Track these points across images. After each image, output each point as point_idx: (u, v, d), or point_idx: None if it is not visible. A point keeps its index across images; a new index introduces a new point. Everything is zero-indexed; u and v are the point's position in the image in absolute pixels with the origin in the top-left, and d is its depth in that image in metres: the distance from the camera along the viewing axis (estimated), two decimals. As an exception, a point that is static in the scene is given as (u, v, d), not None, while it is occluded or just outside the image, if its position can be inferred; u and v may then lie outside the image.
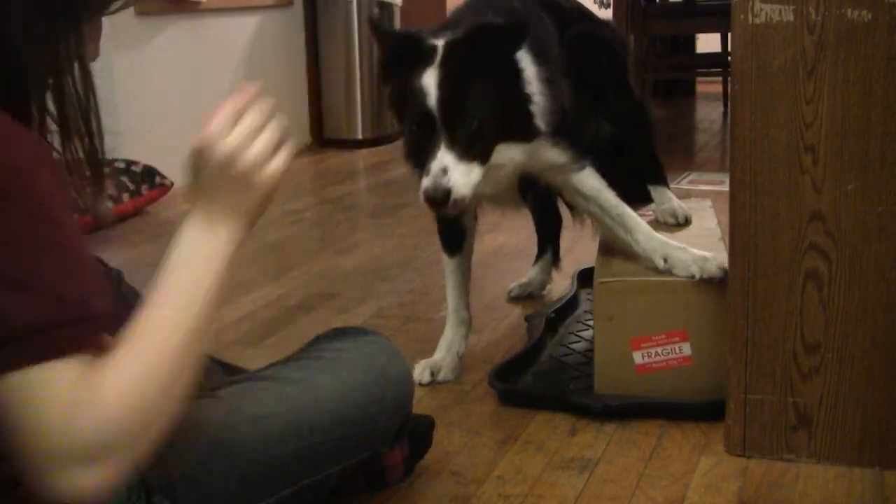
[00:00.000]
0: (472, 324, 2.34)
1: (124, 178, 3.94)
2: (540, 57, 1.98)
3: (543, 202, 2.73)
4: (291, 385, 1.47)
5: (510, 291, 2.80)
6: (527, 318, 2.54)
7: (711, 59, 6.46)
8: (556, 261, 2.84)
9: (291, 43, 5.45)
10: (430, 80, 1.82)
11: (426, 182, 1.79)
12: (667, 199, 2.50)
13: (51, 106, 1.08)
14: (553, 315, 2.48)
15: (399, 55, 1.89)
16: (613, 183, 2.43)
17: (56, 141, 1.09)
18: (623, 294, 2.04)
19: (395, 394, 1.57)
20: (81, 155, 1.11)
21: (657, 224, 2.44)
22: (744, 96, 1.73)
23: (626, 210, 2.13)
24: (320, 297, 2.90)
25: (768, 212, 1.75)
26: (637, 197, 2.61)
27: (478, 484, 1.79)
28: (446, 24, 2.06)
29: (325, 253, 3.42)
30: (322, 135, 5.63)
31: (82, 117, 1.10)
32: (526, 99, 1.91)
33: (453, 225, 2.27)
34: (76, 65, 1.09)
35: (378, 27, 1.99)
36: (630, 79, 2.51)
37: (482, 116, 1.82)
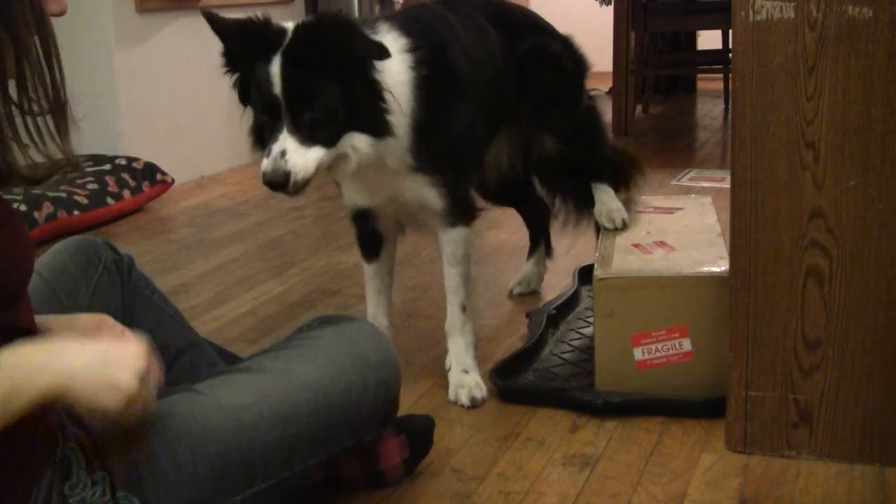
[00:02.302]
0: (392, 331, 2.31)
1: (125, 175, 3.94)
2: (423, 72, 1.98)
3: (527, 195, 2.72)
4: (266, 375, 1.45)
5: (511, 290, 2.79)
6: (527, 315, 2.54)
7: (712, 56, 6.46)
8: (548, 251, 2.83)
9: (292, 40, 5.44)
10: (275, 67, 1.83)
11: (265, 164, 1.82)
12: (608, 198, 2.48)
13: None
14: (554, 312, 2.48)
15: (243, 44, 1.89)
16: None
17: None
18: (623, 290, 2.04)
19: (377, 378, 1.55)
20: (44, 104, 1.16)
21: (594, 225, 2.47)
22: (745, 93, 1.73)
23: (462, 301, 2.16)
24: (321, 294, 2.91)
25: (769, 209, 1.75)
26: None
27: (479, 481, 1.79)
28: None
29: (326, 250, 3.42)
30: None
31: (46, 65, 1.16)
32: (376, 93, 1.89)
33: (369, 230, 2.25)
34: (32, 15, 1.14)
35: (213, 18, 1.94)
36: (581, 92, 2.49)
37: (326, 103, 1.84)
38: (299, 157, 1.82)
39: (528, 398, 2.11)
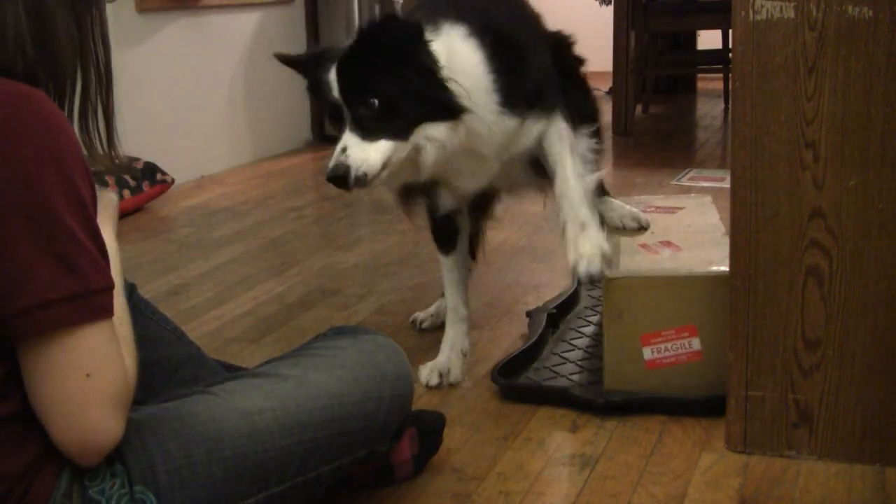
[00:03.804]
0: (470, 321, 2.33)
1: (125, 175, 3.94)
2: (479, 38, 1.99)
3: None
4: (284, 381, 1.47)
5: (421, 323, 2.60)
6: (528, 314, 2.54)
7: (712, 56, 6.46)
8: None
9: (292, 39, 5.44)
10: (332, 74, 1.90)
11: (329, 163, 1.86)
12: (617, 204, 2.45)
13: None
14: (554, 311, 2.48)
15: (312, 66, 1.98)
16: None
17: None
18: (632, 290, 2.04)
19: (392, 391, 1.56)
20: (99, 110, 1.34)
21: (618, 230, 2.40)
22: (745, 93, 1.73)
23: (571, 151, 2.10)
24: (321, 294, 2.91)
25: (769, 208, 1.75)
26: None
27: (479, 480, 1.79)
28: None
29: (326, 249, 3.42)
30: (323, 131, 5.63)
31: (106, 77, 1.35)
32: (438, 77, 1.91)
33: (444, 223, 2.28)
34: (99, 34, 1.35)
35: (283, 57, 2.05)
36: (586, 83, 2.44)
37: (384, 95, 1.86)
38: (360, 151, 1.85)
39: (529, 397, 2.11)
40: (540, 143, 2.12)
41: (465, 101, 1.92)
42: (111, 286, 1.20)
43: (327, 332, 1.68)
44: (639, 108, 6.01)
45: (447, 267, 2.31)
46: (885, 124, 1.67)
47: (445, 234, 2.30)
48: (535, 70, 2.11)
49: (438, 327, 2.53)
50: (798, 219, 1.74)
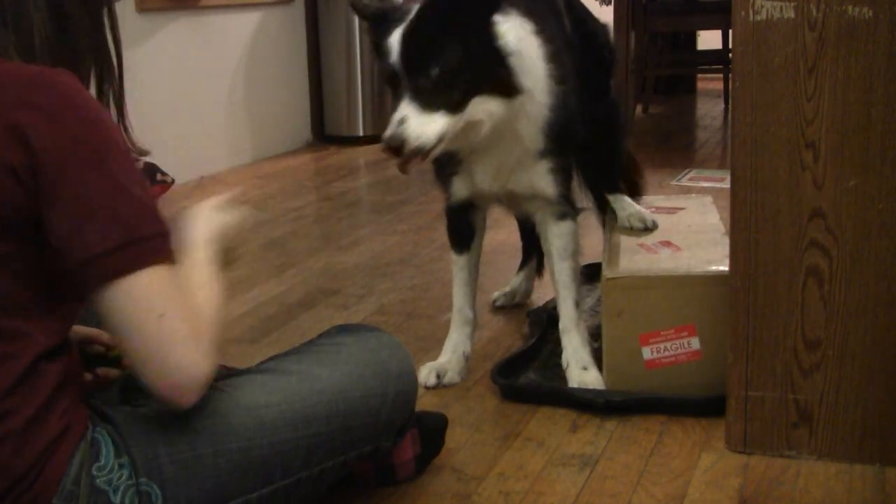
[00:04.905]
0: (476, 323, 2.33)
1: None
2: (538, 31, 2.01)
3: None
4: (289, 376, 1.48)
5: (495, 301, 2.73)
6: (528, 314, 2.54)
7: (712, 56, 6.46)
8: (539, 268, 2.79)
9: (292, 40, 5.45)
10: (395, 37, 1.87)
11: (385, 133, 1.84)
12: (628, 203, 2.48)
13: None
14: (554, 311, 2.48)
15: (379, 24, 1.95)
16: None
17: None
18: (632, 290, 2.04)
19: (396, 388, 1.57)
20: (111, 99, 1.42)
21: (623, 230, 2.42)
22: (745, 93, 1.73)
23: (575, 297, 2.16)
24: (321, 294, 2.91)
25: (769, 208, 1.75)
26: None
27: (479, 481, 1.79)
28: None
29: (326, 250, 3.42)
30: (323, 132, 5.64)
31: (118, 71, 1.42)
32: (500, 54, 1.91)
33: (463, 222, 2.28)
34: (109, 30, 1.43)
35: (356, 4, 2.05)
36: (611, 82, 2.49)
37: (445, 66, 1.85)
38: (417, 125, 1.83)
39: (529, 397, 2.11)
40: (541, 229, 2.19)
41: (523, 79, 1.94)
42: (161, 231, 1.26)
43: (331, 330, 1.69)
44: (639, 109, 6.01)
45: (458, 267, 2.30)
46: (885, 124, 1.67)
47: (460, 232, 2.30)
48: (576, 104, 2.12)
49: (513, 306, 2.71)
50: (798, 219, 1.74)
